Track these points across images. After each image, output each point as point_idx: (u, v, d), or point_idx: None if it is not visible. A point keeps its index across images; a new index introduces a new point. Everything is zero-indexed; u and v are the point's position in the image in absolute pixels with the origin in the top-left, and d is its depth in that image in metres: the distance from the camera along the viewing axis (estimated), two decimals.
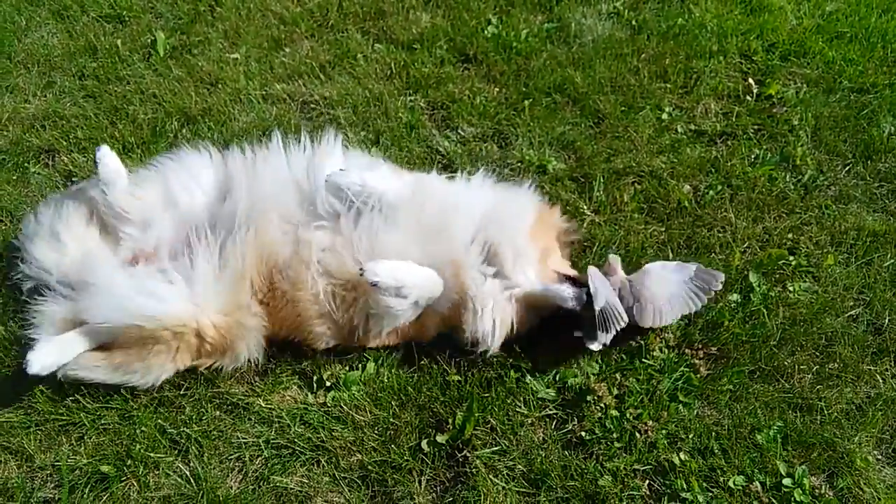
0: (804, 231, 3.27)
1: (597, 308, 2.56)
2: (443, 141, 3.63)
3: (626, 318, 2.64)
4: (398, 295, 2.55)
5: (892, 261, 3.13)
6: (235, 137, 3.55)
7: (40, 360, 2.46)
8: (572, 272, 2.85)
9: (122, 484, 2.49)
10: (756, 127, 3.76)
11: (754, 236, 3.23)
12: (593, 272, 2.67)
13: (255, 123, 3.66)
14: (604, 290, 2.62)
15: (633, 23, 4.31)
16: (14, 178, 3.42)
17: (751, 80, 3.97)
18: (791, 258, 3.13)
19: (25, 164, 3.48)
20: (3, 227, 3.21)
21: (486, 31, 4.22)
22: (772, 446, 2.57)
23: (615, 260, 2.90)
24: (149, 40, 4.15)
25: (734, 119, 3.78)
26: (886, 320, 2.93)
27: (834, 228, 3.27)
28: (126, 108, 3.74)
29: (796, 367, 2.79)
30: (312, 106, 3.80)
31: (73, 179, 3.40)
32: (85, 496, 2.47)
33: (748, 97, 3.90)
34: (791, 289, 3.03)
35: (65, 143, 3.56)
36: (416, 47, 4.12)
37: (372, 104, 3.80)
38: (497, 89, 3.92)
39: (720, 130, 3.72)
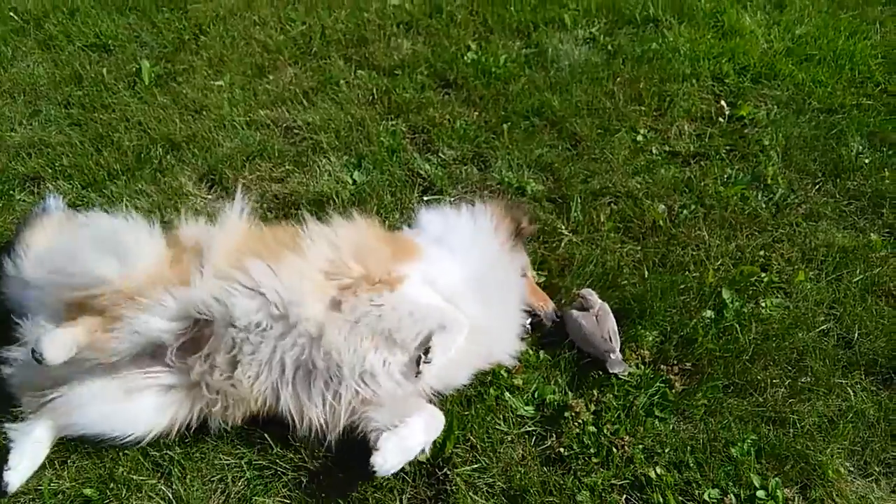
0: (776, 248, 3.35)
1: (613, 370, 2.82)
2: (424, 164, 3.70)
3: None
4: (414, 457, 2.52)
5: (861, 276, 3.21)
6: (220, 164, 3.62)
7: (16, 482, 2.48)
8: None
9: None
10: (728, 147, 3.86)
11: (727, 254, 3.31)
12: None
13: (239, 149, 3.72)
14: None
15: (609, 48, 4.43)
16: None
17: (723, 102, 4.09)
18: (763, 275, 3.21)
19: (11, 192, 3.52)
20: None
21: (465, 57, 4.33)
22: (746, 459, 2.61)
23: (590, 293, 2.98)
24: (134, 69, 4.22)
25: (707, 140, 3.88)
26: (856, 334, 3.00)
27: (805, 245, 3.36)
28: (111, 135, 3.80)
29: (769, 381, 2.84)
30: (296, 131, 3.88)
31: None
32: None
33: (720, 119, 4.01)
34: (763, 304, 3.10)
35: (50, 170, 3.60)
36: (398, 73, 4.21)
37: (354, 129, 3.87)
38: (477, 113, 4.01)
39: (693, 151, 3.82)
